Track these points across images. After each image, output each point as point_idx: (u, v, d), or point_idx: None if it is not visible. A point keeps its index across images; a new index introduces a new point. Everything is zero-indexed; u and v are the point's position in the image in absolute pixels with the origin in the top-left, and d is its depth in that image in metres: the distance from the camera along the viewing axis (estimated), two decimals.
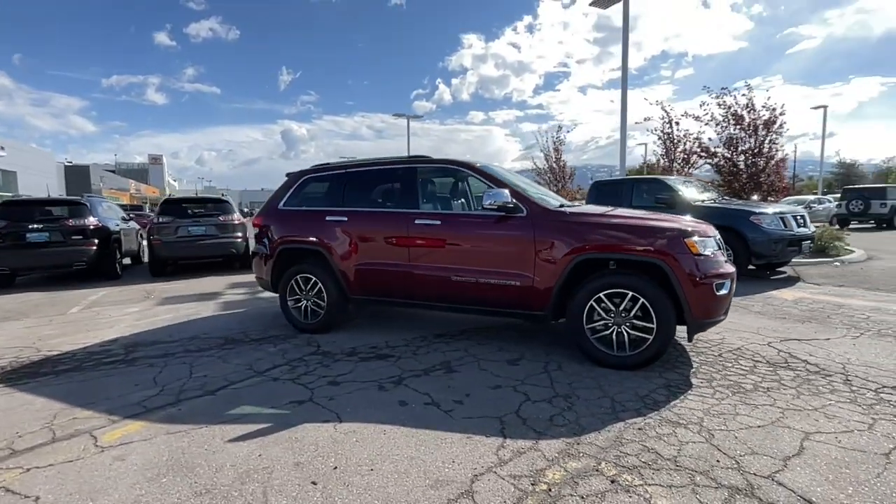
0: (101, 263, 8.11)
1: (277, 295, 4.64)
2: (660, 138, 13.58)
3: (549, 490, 1.94)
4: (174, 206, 8.81)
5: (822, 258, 8.53)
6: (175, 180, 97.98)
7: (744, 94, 10.02)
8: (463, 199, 4.49)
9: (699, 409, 2.68)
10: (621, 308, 3.28)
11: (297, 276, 4.50)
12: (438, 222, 3.90)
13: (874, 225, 18.38)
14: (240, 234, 8.96)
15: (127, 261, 10.21)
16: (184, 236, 8.46)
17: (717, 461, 2.13)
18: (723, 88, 10.36)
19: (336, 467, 2.16)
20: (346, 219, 4.28)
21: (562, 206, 3.85)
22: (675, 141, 13.24)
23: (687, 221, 3.46)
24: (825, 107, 29.52)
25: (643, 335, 3.25)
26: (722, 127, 10.53)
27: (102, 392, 3.18)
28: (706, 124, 10.82)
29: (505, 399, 2.89)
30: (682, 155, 13.10)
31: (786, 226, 6.58)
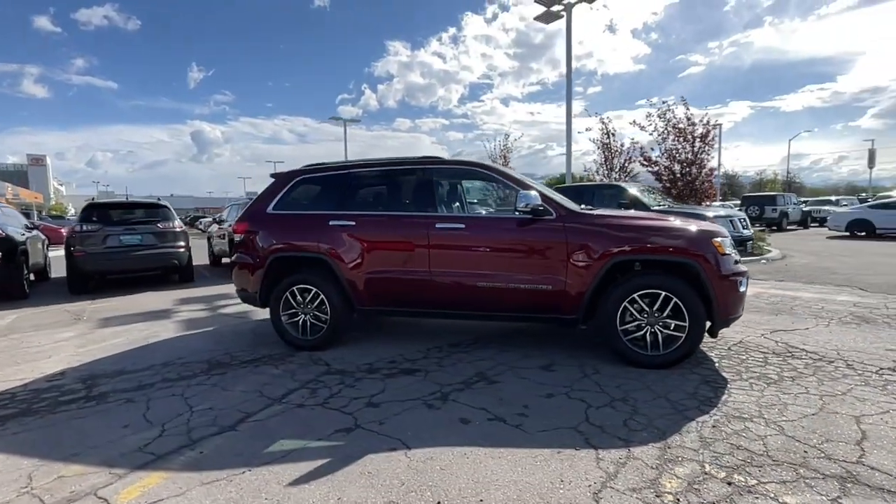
0: (4, 281, 6.73)
1: (253, 309, 4.12)
2: (598, 148, 14.50)
3: (677, 500, 1.87)
4: (100, 212, 7.57)
5: (749, 257, 9.59)
6: (62, 184, 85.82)
7: (684, 111, 11.10)
8: (475, 202, 4.34)
9: (750, 402, 2.79)
10: (655, 308, 3.35)
11: (294, 288, 4.04)
12: (462, 226, 3.72)
13: (766, 227, 21.21)
14: (182, 244, 7.96)
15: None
16: (114, 247, 7.31)
17: (805, 452, 2.20)
18: (664, 101, 11.40)
19: (440, 502, 1.91)
20: (353, 223, 3.92)
21: (583, 208, 3.86)
22: (614, 151, 14.21)
23: (705, 223, 3.64)
24: (720, 125, 33.62)
25: (676, 334, 3.34)
26: (662, 138, 11.54)
27: (81, 439, 2.56)
28: (650, 135, 11.77)
29: (566, 407, 2.79)
30: (619, 163, 14.09)
31: (734, 227, 7.29)
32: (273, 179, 4.40)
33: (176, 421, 2.75)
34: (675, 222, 3.49)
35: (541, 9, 13.39)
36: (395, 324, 4.88)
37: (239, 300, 4.62)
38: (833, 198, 29.92)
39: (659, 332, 3.36)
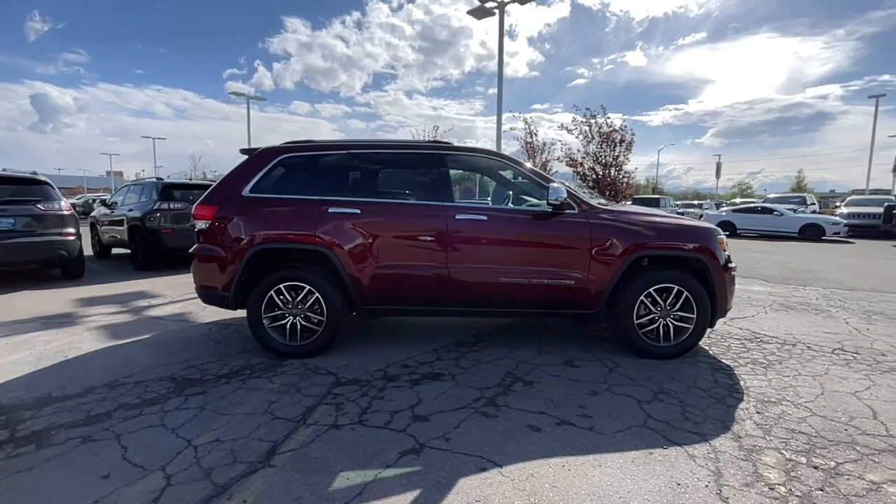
0: None
1: (190, 310, 3.46)
2: (521, 147, 15.14)
3: (790, 490, 1.93)
4: None
5: None
6: None
7: (606, 117, 12.11)
8: (488, 192, 4.09)
9: (765, 386, 3.04)
10: (668, 302, 3.51)
11: (281, 286, 3.43)
12: (485, 218, 3.48)
13: None
14: (72, 231, 6.39)
15: None
16: None
17: (846, 430, 2.45)
18: (587, 109, 12.29)
19: None
20: (358, 211, 3.44)
21: (600, 203, 3.87)
22: (536, 148, 14.94)
23: (703, 222, 3.89)
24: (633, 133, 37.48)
25: (684, 325, 3.53)
26: (588, 141, 12.44)
27: (46, 499, 1.84)
28: (576, 137, 12.61)
29: (619, 404, 2.76)
30: (540, 161, 14.87)
31: None
32: (246, 156, 3.68)
33: (178, 461, 2.13)
34: (686, 220, 3.69)
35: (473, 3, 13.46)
36: (373, 325, 4.46)
37: (165, 300, 3.83)
38: (696, 202, 35.23)
39: (670, 325, 3.53)
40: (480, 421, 2.54)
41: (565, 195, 3.40)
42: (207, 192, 3.67)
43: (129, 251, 8.15)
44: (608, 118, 11.79)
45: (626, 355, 3.60)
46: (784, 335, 4.21)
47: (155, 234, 7.42)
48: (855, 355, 3.67)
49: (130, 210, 8.00)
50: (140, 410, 2.64)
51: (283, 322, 3.47)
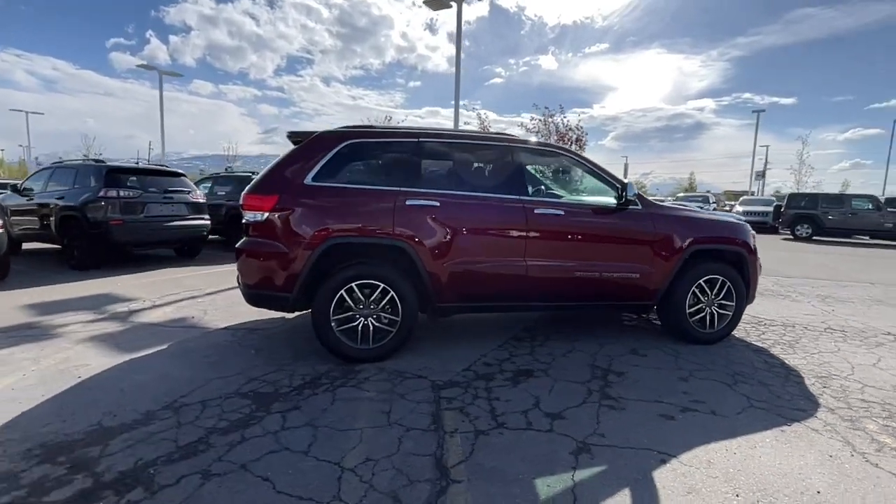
0: None
1: (183, 314, 3.09)
2: None
3: None
4: None
5: None
6: None
7: (563, 116, 12.68)
8: (541, 186, 4.05)
9: (809, 364, 3.44)
10: (714, 291, 3.81)
11: (353, 284, 3.12)
12: (562, 213, 3.47)
13: None
14: None
15: None
16: None
17: None
18: (546, 107, 12.77)
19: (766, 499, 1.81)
20: (437, 204, 3.23)
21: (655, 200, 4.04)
22: None
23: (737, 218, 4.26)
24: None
25: (725, 312, 3.87)
26: (545, 138, 12.92)
27: None
28: (535, 135, 13.01)
29: (716, 389, 2.95)
30: None
31: None
32: (303, 141, 3.26)
33: (348, 489, 1.86)
34: (728, 218, 4.03)
35: None
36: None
37: (145, 303, 3.33)
38: None
39: (715, 313, 3.85)
40: (613, 414, 2.57)
41: (636, 191, 3.53)
42: (259, 179, 3.21)
43: (59, 247, 6.84)
44: (565, 117, 12.50)
45: (671, 341, 3.85)
46: (779, 319, 4.79)
47: (100, 227, 6.29)
48: (843, 333, 4.31)
49: (61, 198, 6.69)
50: (241, 434, 2.26)
51: (354, 324, 3.17)
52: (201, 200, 7.56)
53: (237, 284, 3.36)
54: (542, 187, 4.00)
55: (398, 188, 3.23)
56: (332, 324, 3.13)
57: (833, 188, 34.81)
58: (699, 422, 2.51)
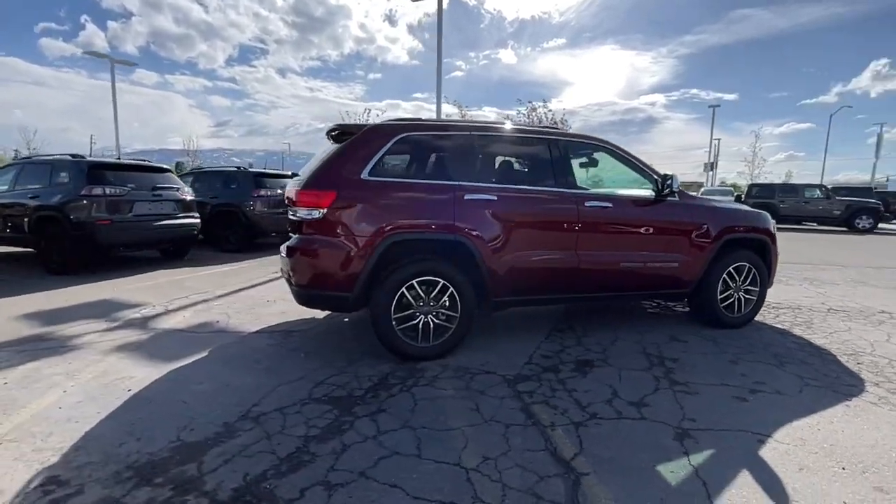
0: None
1: (204, 319, 3.01)
2: None
3: None
4: None
5: None
6: None
7: (549, 110, 12.86)
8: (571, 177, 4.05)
9: (832, 342, 3.69)
10: (741, 278, 4.01)
11: (415, 281, 3.05)
12: (610, 205, 3.52)
13: None
14: None
15: None
16: None
17: None
18: (529, 102, 12.92)
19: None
20: (495, 198, 3.20)
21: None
22: None
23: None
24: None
25: (751, 297, 4.08)
26: None
27: None
28: None
29: (768, 371, 3.10)
30: None
31: None
32: (354, 134, 3.13)
33: (483, 490, 1.82)
34: (752, 208, 4.23)
35: None
36: None
37: (156, 309, 3.17)
38: None
39: (742, 298, 4.05)
40: (691, 399, 2.65)
41: (678, 183, 3.64)
42: (313, 174, 3.06)
43: (34, 250, 6.27)
44: (550, 110, 12.69)
45: (699, 327, 4.02)
46: (784, 302, 5.10)
47: (85, 228, 5.80)
48: (846, 313, 4.66)
49: (34, 197, 6.11)
50: (340, 441, 2.16)
51: (415, 322, 3.10)
52: (191, 198, 7.13)
53: (289, 284, 3.20)
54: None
55: (455, 182, 3.17)
56: (393, 322, 3.05)
57: (776, 179, 37.37)
58: (769, 402, 2.64)
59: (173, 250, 7.40)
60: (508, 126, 3.58)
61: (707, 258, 3.82)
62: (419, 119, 3.37)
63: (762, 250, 4.12)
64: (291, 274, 3.10)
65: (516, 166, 3.60)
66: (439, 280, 3.11)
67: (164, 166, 7.24)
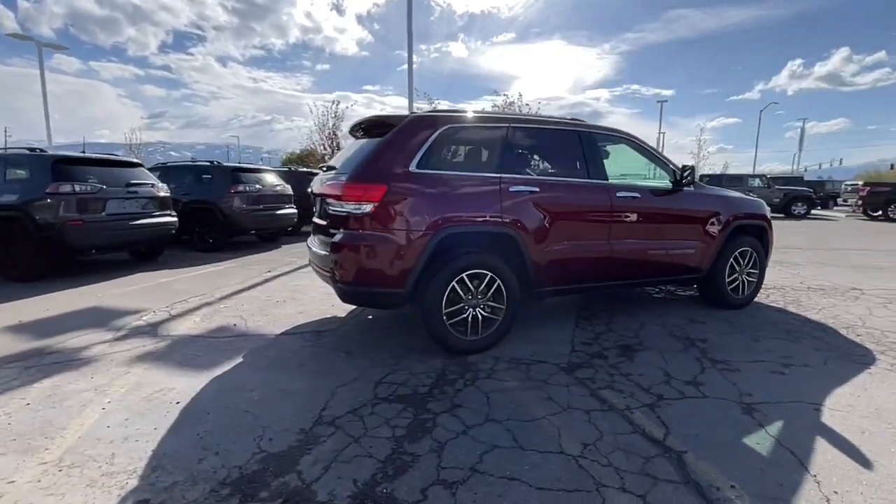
0: None
1: (208, 323, 2.97)
2: None
3: None
4: None
5: None
6: None
7: (525, 104, 13.00)
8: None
9: (826, 317, 4.04)
10: (745, 262, 4.30)
11: (464, 275, 3.02)
12: (638, 195, 3.64)
13: None
14: None
15: None
16: None
17: None
18: (504, 94, 13.02)
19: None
20: (537, 189, 3.22)
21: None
22: None
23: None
24: None
25: (752, 280, 4.39)
26: None
27: None
28: None
29: (788, 347, 3.36)
30: None
31: None
32: (399, 125, 3.03)
33: (611, 479, 1.85)
34: (750, 196, 4.52)
35: None
36: None
37: (159, 314, 3.04)
38: None
39: (745, 280, 4.35)
40: (736, 376, 2.82)
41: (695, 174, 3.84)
42: (360, 168, 2.93)
43: None
44: (527, 104, 12.87)
45: (708, 309, 4.28)
46: (770, 283, 5.51)
47: (52, 229, 5.24)
48: (823, 291, 5.12)
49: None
50: (432, 439, 2.12)
51: (464, 315, 3.08)
52: (166, 195, 6.61)
53: (334, 282, 3.05)
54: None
55: (499, 174, 3.17)
56: (444, 317, 3.01)
57: (712, 170, 40.18)
58: (804, 374, 2.87)
59: (144, 252, 6.85)
60: (544, 118, 3.62)
61: (720, 244, 4.07)
62: (459, 110, 3.31)
63: (761, 235, 4.44)
64: (336, 271, 2.97)
65: (554, 158, 3.65)
66: (487, 273, 3.10)
67: (135, 160, 6.66)
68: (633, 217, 3.66)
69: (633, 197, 3.65)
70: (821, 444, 2.08)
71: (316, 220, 3.57)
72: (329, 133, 16.19)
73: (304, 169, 10.81)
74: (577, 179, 3.49)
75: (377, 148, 2.99)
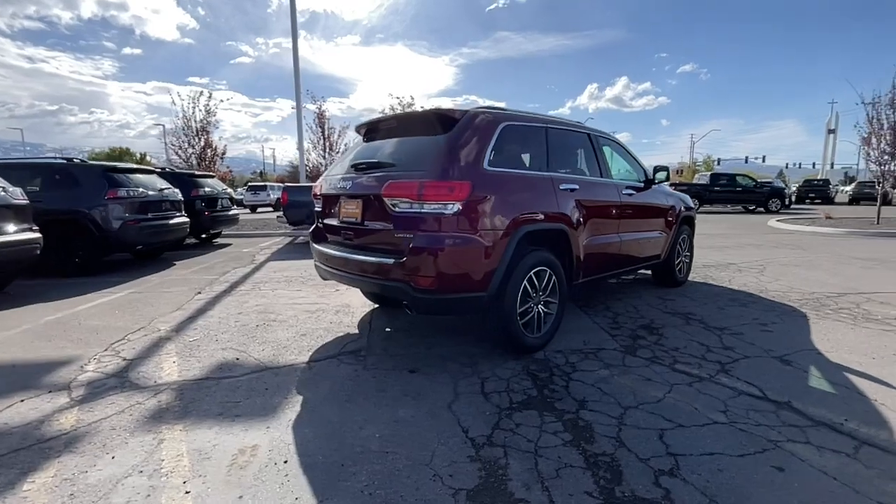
0: None
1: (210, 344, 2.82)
2: (316, 126, 14.27)
3: None
4: None
5: None
6: None
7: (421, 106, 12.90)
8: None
9: (745, 284, 5.16)
10: (685, 247, 5.19)
11: (532, 273, 2.99)
12: (634, 192, 4.08)
13: None
14: None
15: None
16: None
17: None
18: (397, 97, 12.80)
19: None
20: (578, 187, 3.38)
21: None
22: (328, 132, 14.42)
23: None
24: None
25: (687, 261, 5.31)
26: None
27: None
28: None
29: (765, 311, 4.17)
30: (335, 141, 14.52)
31: None
32: (460, 122, 2.82)
33: (797, 434, 2.08)
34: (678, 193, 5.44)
35: None
36: None
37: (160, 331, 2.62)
38: None
39: (684, 262, 5.24)
40: (745, 338, 3.42)
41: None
42: (439, 165, 2.64)
43: None
44: (422, 106, 12.87)
45: (664, 289, 5.06)
46: (727, 262, 6.58)
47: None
48: (716, 267, 6.47)
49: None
50: (617, 435, 2.09)
51: (530, 314, 3.06)
52: (25, 202, 4.88)
53: (404, 291, 2.69)
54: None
55: (549, 173, 3.24)
56: (518, 316, 2.95)
57: None
58: (781, 330, 3.62)
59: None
60: (563, 119, 3.81)
61: (674, 231, 4.84)
62: (511, 109, 3.27)
63: (691, 224, 5.42)
64: (413, 278, 2.65)
65: (580, 158, 3.86)
66: (547, 269, 3.14)
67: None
68: (632, 210, 4.12)
69: (631, 194, 4.12)
70: (855, 379, 2.70)
71: (345, 223, 3.13)
72: (197, 129, 13.74)
73: (184, 171, 8.97)
74: (599, 178, 3.80)
75: (451, 144, 2.76)
